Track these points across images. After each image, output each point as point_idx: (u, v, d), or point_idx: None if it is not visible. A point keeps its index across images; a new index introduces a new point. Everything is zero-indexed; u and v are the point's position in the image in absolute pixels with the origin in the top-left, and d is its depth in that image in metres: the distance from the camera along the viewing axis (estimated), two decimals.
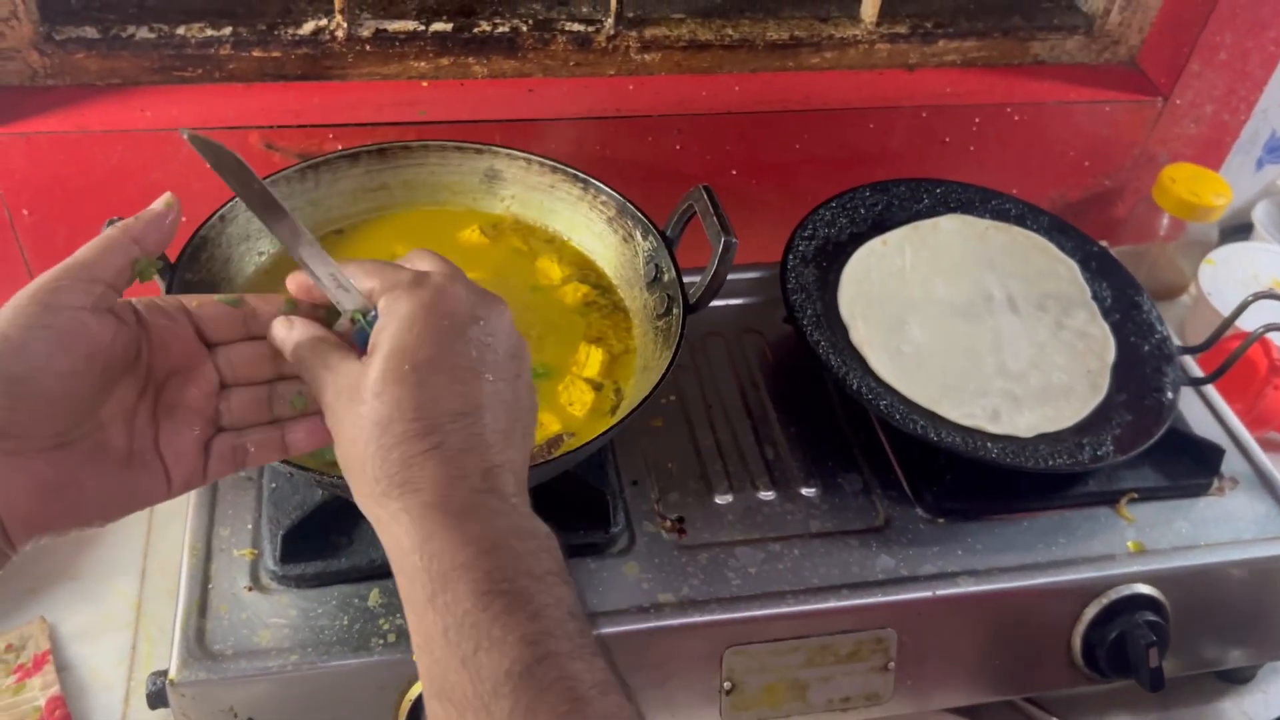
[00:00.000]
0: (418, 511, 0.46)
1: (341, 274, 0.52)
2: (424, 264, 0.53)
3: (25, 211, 0.94)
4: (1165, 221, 1.13)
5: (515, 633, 0.44)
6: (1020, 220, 0.98)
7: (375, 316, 0.51)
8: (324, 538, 0.73)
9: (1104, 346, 0.89)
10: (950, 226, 0.95)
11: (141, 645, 0.81)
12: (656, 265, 0.79)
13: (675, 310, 0.76)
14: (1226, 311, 0.90)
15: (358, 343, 0.52)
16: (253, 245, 0.79)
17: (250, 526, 0.75)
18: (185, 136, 0.51)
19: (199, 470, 0.52)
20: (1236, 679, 0.87)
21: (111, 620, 0.82)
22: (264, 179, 0.79)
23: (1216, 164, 1.18)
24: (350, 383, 0.49)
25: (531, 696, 0.43)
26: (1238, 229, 1.25)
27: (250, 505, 0.76)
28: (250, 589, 0.71)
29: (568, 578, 0.48)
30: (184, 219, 0.77)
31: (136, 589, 0.84)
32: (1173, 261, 1.18)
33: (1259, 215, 1.24)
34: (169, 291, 0.71)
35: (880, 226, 0.95)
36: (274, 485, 0.75)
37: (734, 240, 0.73)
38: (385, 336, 0.49)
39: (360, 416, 0.48)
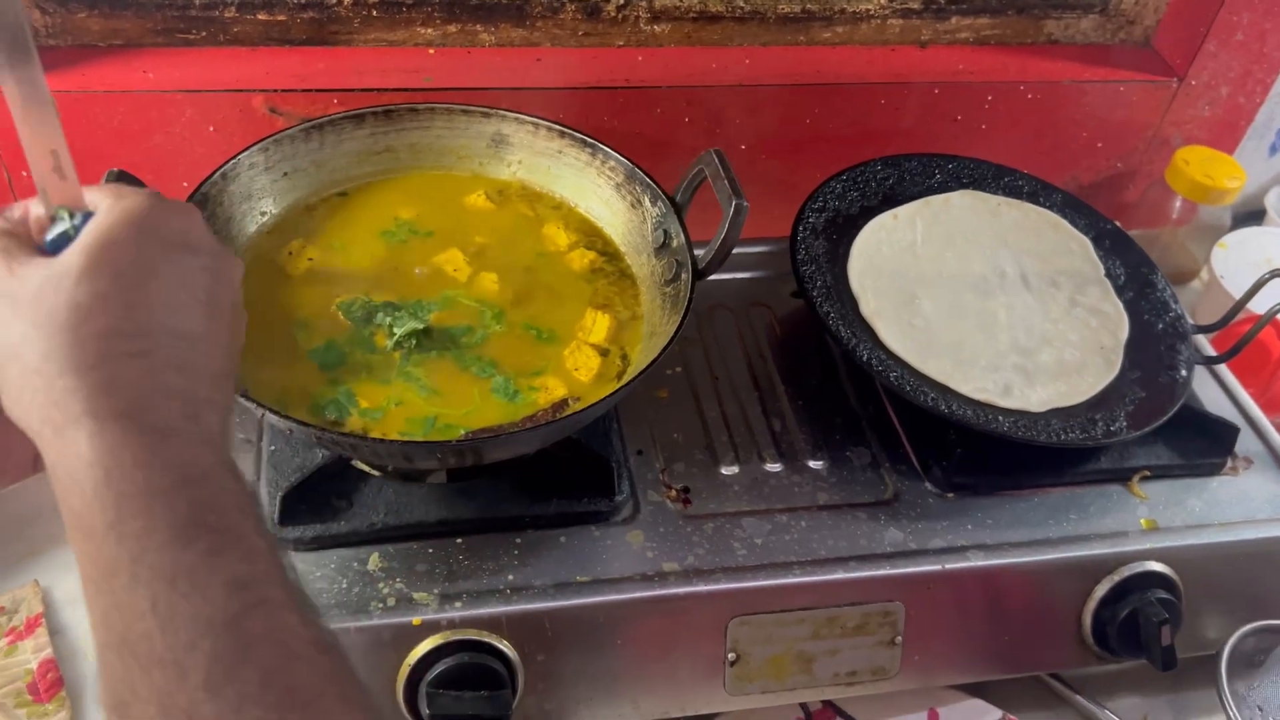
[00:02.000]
0: (108, 418, 0.39)
1: (66, 155, 0.46)
2: (123, 186, 0.47)
3: (25, 173, 0.93)
4: (1178, 205, 1.12)
5: (221, 574, 0.37)
6: (1033, 197, 0.96)
7: (85, 221, 0.44)
8: (324, 500, 0.71)
9: (1117, 324, 0.87)
10: (962, 202, 0.94)
11: None
12: (665, 231, 0.78)
13: (684, 276, 0.74)
14: (1239, 295, 0.88)
15: (50, 249, 0.45)
16: (255, 204, 0.78)
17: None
18: None
19: None
20: (1249, 661, 0.86)
21: None
22: (267, 138, 0.79)
23: (1230, 148, 1.16)
24: (33, 276, 0.42)
25: (236, 651, 0.36)
26: (1250, 215, 1.24)
27: (249, 467, 0.74)
28: None
29: (268, 533, 0.42)
30: (184, 184, 0.77)
31: None
32: (1184, 246, 1.16)
33: (1272, 201, 1.22)
34: None
35: (891, 200, 0.93)
36: (273, 447, 0.74)
37: (745, 204, 0.72)
38: (98, 227, 0.43)
39: (51, 307, 0.41)
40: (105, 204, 0.45)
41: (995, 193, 0.96)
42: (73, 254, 0.43)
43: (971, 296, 0.87)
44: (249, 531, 0.40)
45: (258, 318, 0.56)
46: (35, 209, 0.48)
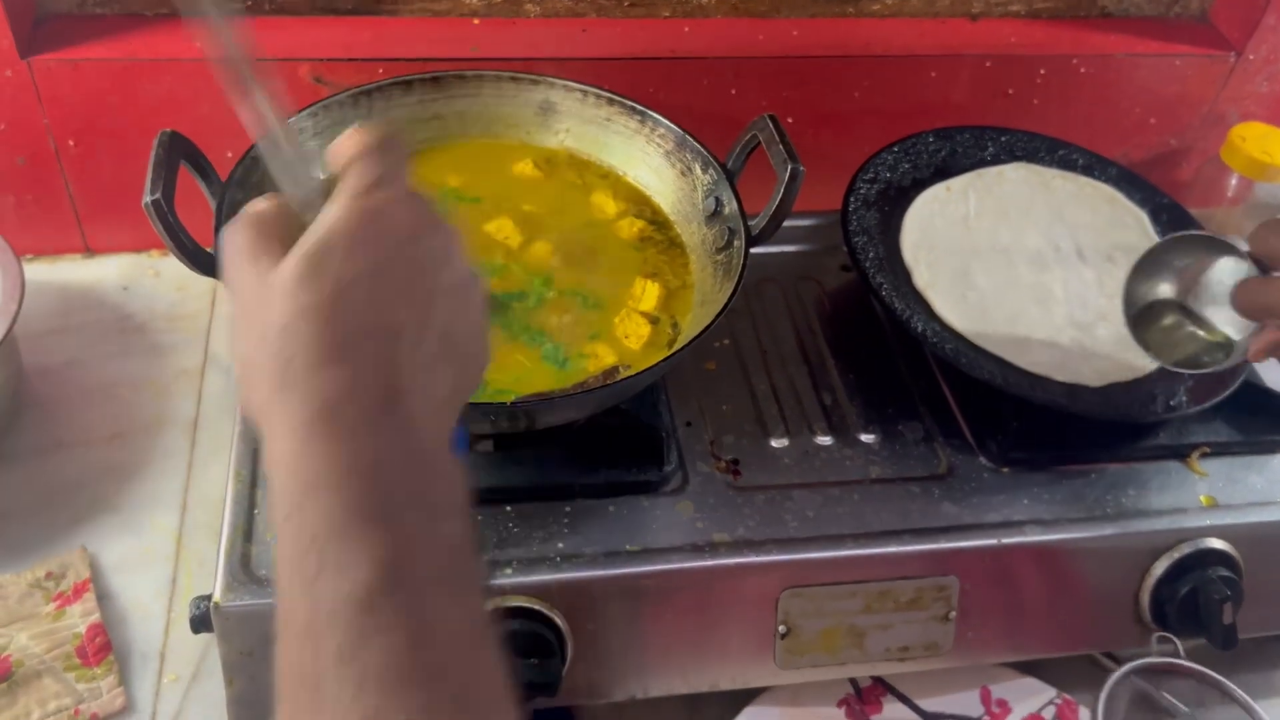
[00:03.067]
0: (302, 421, 0.40)
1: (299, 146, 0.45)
2: (376, 167, 0.44)
3: (71, 142, 0.93)
4: (1233, 182, 1.10)
5: (368, 553, 0.37)
6: (1088, 170, 0.95)
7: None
8: None
9: None
10: (1016, 175, 0.92)
11: (182, 578, 0.80)
12: (717, 198, 0.77)
13: (736, 243, 0.73)
14: None
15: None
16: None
17: None
18: None
19: None
20: None
21: (152, 553, 0.81)
22: (316, 103, 0.79)
23: None
24: (267, 274, 0.42)
25: (362, 631, 0.36)
26: None
27: None
28: None
29: (466, 514, 0.41)
30: (229, 154, 0.76)
31: (177, 523, 0.83)
32: (1240, 227, 1.14)
33: None
34: (219, 211, 0.70)
35: (943, 173, 0.92)
36: None
37: (801, 168, 0.71)
38: (314, 236, 0.42)
39: (268, 316, 0.41)
40: (328, 205, 0.43)
41: (1049, 166, 0.94)
42: (290, 263, 0.41)
43: (1026, 270, 0.85)
44: (410, 521, 0.39)
45: None
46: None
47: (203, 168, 0.70)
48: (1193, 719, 0.74)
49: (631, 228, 0.79)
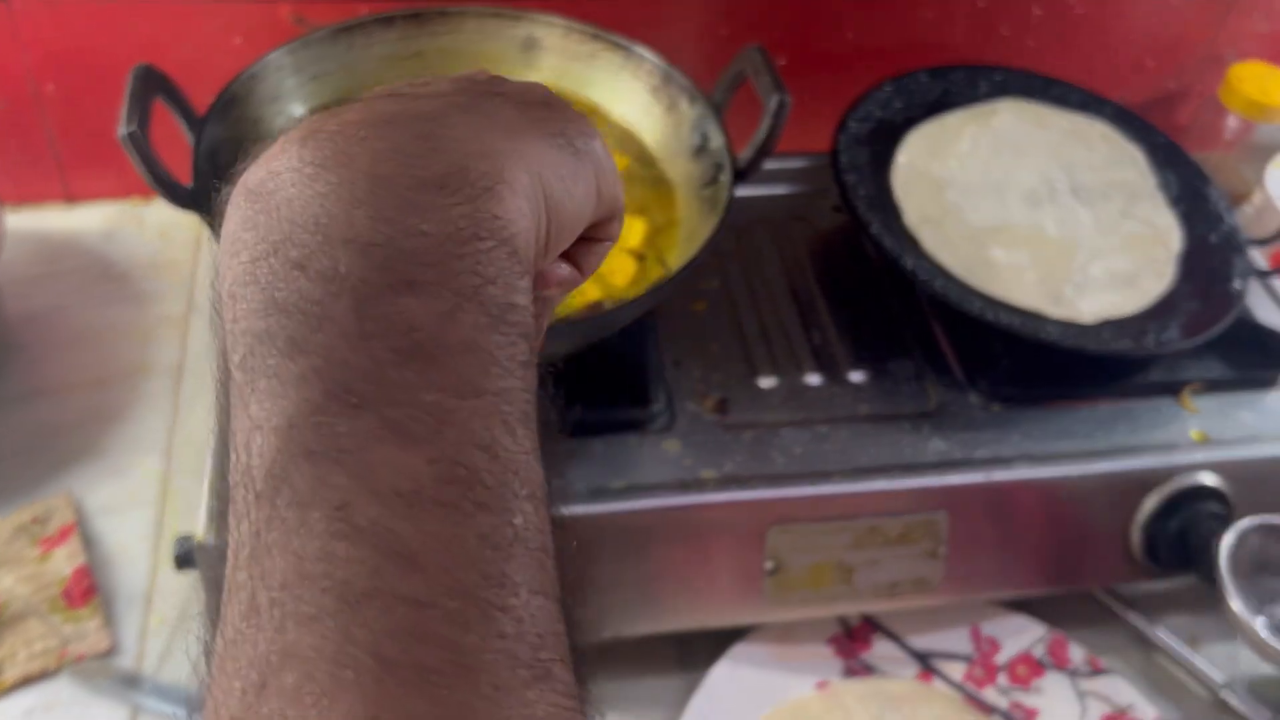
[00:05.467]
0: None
1: None
2: None
3: (50, 86, 0.91)
4: (1231, 124, 1.08)
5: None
6: (1083, 108, 0.93)
7: None
8: None
9: (1170, 235, 0.85)
10: (1010, 112, 0.91)
11: (168, 521, 0.79)
12: (703, 133, 0.76)
13: (722, 177, 0.72)
14: None
15: None
16: (282, 107, 0.76)
17: None
18: None
19: None
20: None
21: (137, 497, 0.81)
22: (295, 40, 0.77)
23: None
24: None
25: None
26: None
27: None
28: None
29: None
30: (210, 97, 0.75)
31: (163, 467, 0.82)
32: (1236, 169, 1.12)
33: None
34: (197, 146, 0.69)
35: (937, 110, 0.90)
36: None
37: (788, 98, 0.70)
38: None
39: None
40: None
41: (1044, 103, 0.93)
42: None
43: (1020, 206, 0.84)
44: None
45: None
46: None
47: (180, 102, 0.69)
48: None
49: (618, 164, 0.78)
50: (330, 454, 0.25)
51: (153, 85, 0.66)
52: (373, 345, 0.26)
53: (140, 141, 0.62)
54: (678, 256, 0.73)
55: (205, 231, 0.90)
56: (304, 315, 0.26)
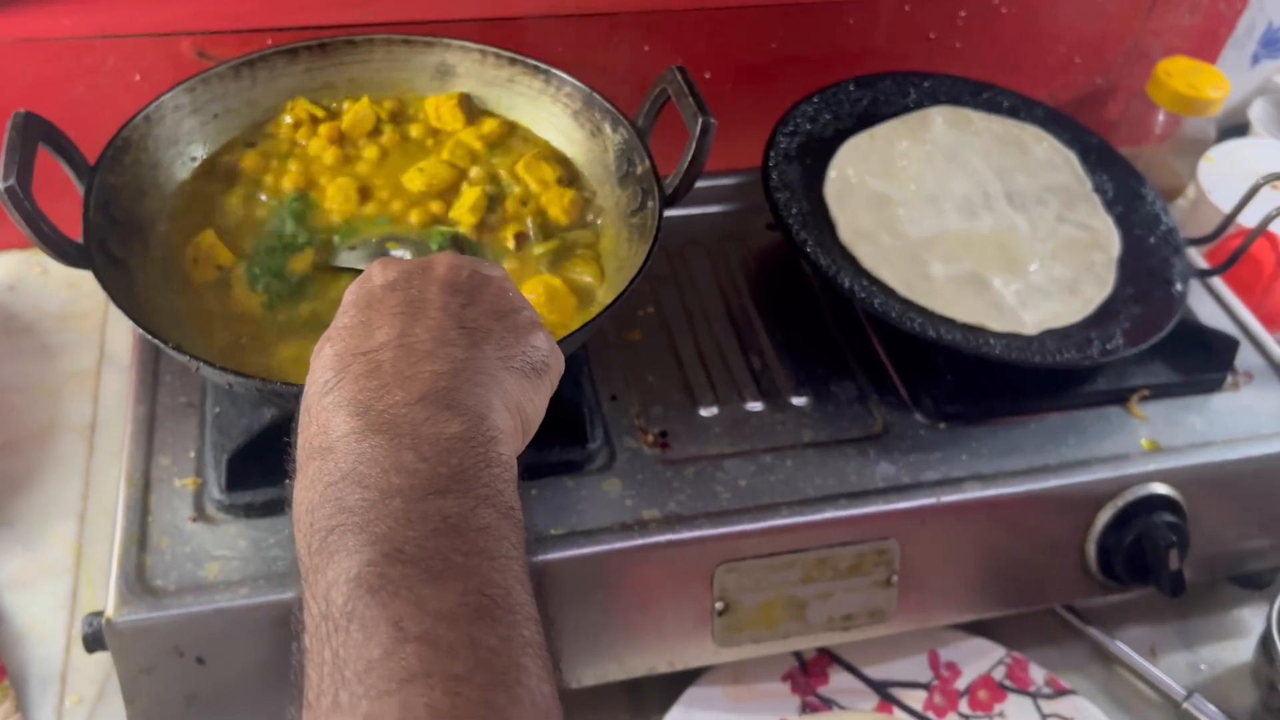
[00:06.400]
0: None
1: None
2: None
3: None
4: (1161, 119, 1.08)
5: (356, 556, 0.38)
6: (1013, 112, 0.92)
7: None
8: (275, 462, 0.66)
9: (1108, 239, 0.83)
10: (941, 119, 0.89)
11: (83, 591, 0.75)
12: (629, 159, 0.73)
13: (650, 204, 0.69)
14: (1228, 208, 0.85)
15: None
16: (182, 149, 0.72)
17: (193, 455, 0.68)
18: None
19: None
20: (1256, 584, 0.83)
21: (49, 567, 0.76)
22: (193, 77, 0.73)
23: (1212, 58, 1.12)
24: None
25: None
26: (1233, 130, 1.20)
27: (193, 432, 0.69)
28: (194, 520, 0.65)
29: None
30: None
31: (76, 533, 0.78)
32: (1168, 163, 1.12)
33: (1256, 114, 1.18)
34: (88, 196, 0.64)
35: (866, 122, 0.88)
36: (218, 409, 0.69)
37: (712, 120, 0.67)
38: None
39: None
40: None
41: (975, 109, 0.91)
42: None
43: (956, 217, 0.83)
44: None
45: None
46: None
47: (67, 151, 0.65)
48: None
49: (549, 177, 0.75)
50: (388, 590, 0.36)
51: (34, 133, 0.62)
52: (416, 526, 0.38)
53: (18, 196, 0.57)
54: (608, 288, 0.70)
55: None
56: (365, 510, 0.38)
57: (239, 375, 0.56)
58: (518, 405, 0.45)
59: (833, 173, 0.84)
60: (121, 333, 0.88)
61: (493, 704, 0.34)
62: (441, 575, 0.37)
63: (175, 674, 0.61)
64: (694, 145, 0.67)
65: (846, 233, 0.80)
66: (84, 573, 0.76)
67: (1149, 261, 0.82)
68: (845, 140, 0.86)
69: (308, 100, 0.75)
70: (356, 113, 0.75)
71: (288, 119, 0.75)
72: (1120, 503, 0.72)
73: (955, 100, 0.91)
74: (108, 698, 0.70)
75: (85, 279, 0.88)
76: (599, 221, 0.74)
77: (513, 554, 0.39)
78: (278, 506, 0.65)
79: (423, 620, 0.35)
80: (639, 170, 0.71)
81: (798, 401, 0.75)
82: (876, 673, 0.74)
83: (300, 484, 0.42)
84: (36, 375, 0.86)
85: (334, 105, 0.77)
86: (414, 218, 0.71)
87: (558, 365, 0.50)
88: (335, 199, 0.71)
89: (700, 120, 0.67)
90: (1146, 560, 0.71)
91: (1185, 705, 0.75)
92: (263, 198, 0.71)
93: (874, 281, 0.77)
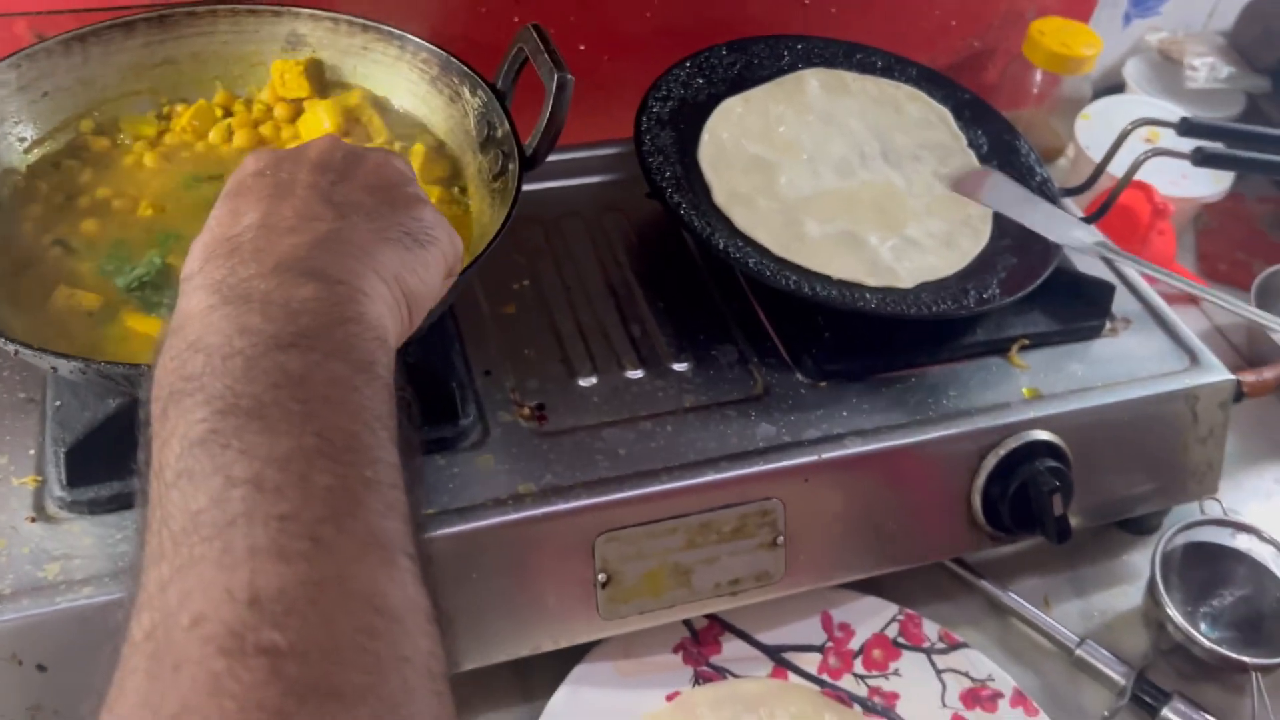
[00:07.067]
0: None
1: None
2: None
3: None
4: (1038, 79, 1.09)
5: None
6: (887, 72, 0.91)
7: None
8: (121, 454, 0.62)
9: None
10: (815, 81, 0.88)
11: None
12: (489, 122, 0.70)
13: (511, 167, 0.67)
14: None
15: None
16: (9, 129, 0.68)
17: (33, 452, 0.64)
18: None
19: None
20: (1143, 529, 0.83)
21: None
22: (17, 53, 0.69)
23: (1084, 19, 1.13)
24: None
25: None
26: (1111, 90, 1.22)
27: (33, 429, 0.65)
28: (33, 520, 0.61)
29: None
30: None
31: None
32: (1047, 124, 1.13)
33: (1130, 72, 1.20)
34: None
35: (740, 85, 0.87)
36: (59, 403, 0.65)
37: (569, 76, 0.65)
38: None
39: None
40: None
41: (849, 70, 0.91)
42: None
43: (832, 176, 0.82)
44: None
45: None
46: None
47: None
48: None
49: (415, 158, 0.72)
50: (218, 441, 0.35)
51: None
52: (257, 382, 0.37)
53: None
54: (472, 255, 0.67)
55: None
56: (204, 374, 0.37)
57: (60, 356, 0.53)
58: (395, 275, 0.44)
59: (706, 136, 0.82)
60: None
61: (319, 538, 0.33)
62: (276, 424, 0.36)
63: (14, 684, 0.57)
64: (550, 102, 0.65)
65: (721, 196, 0.78)
66: None
67: None
68: (719, 104, 0.85)
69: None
70: (191, 116, 0.72)
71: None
72: (1002, 451, 0.71)
73: (829, 62, 0.91)
74: None
75: None
76: (466, 195, 0.71)
77: (366, 404, 0.38)
78: (125, 501, 0.61)
79: (251, 465, 0.34)
80: (499, 133, 0.69)
81: (678, 367, 0.74)
82: (770, 638, 0.73)
83: (155, 368, 0.41)
84: None
85: (165, 107, 0.73)
86: None
87: (450, 240, 0.49)
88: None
89: (556, 76, 0.64)
90: (1031, 508, 0.71)
91: (1078, 652, 0.74)
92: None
93: (749, 242, 0.75)
